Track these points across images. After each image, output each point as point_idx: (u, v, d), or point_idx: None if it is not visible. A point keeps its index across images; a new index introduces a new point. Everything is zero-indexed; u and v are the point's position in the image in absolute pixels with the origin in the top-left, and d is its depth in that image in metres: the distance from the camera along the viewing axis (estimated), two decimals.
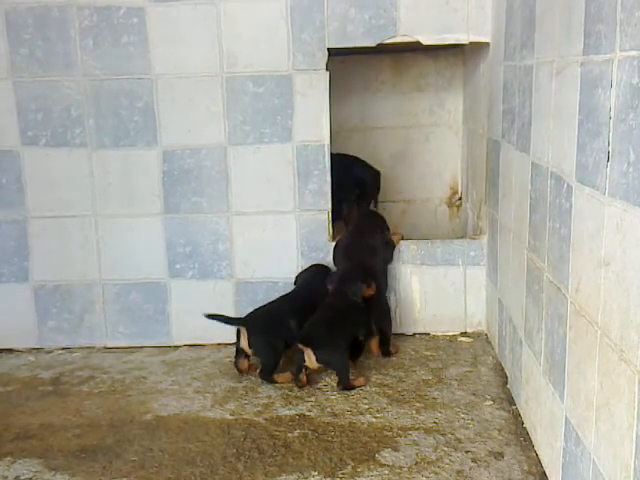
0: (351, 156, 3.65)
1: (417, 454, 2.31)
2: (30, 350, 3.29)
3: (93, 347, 3.30)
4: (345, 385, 2.77)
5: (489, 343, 3.17)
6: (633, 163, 1.42)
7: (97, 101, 3.11)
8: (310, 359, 2.75)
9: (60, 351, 3.27)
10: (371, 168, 3.61)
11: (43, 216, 3.20)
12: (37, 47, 3.07)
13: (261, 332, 2.88)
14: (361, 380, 2.82)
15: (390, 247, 3.21)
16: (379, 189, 3.61)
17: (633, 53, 1.42)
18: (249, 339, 2.87)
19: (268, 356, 2.88)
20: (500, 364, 2.92)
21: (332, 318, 2.86)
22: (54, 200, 3.19)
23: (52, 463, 2.35)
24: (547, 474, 2.14)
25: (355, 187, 3.47)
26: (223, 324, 2.94)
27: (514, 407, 2.58)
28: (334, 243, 3.21)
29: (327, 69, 3.09)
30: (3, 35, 3.06)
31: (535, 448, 2.29)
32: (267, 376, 2.86)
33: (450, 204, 4.03)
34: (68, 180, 3.17)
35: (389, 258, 3.21)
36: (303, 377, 2.80)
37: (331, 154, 3.21)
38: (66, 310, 3.28)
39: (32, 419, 2.66)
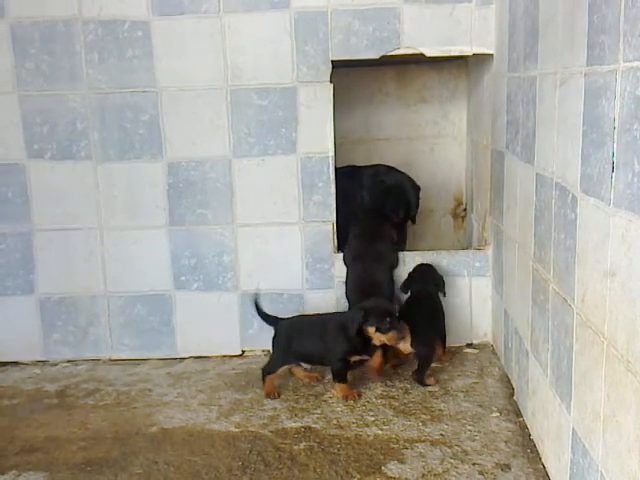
0: (394, 169, 3.57)
1: (424, 466, 2.30)
2: (35, 363, 3.29)
3: (98, 360, 3.30)
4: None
5: (495, 354, 3.15)
6: (638, 173, 1.42)
7: (102, 114, 3.12)
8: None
9: (65, 364, 3.27)
10: (414, 184, 3.54)
11: (48, 229, 3.21)
12: (42, 61, 3.08)
13: (278, 338, 2.93)
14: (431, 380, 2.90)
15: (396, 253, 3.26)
16: (418, 207, 3.56)
17: (637, 64, 1.42)
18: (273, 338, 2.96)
19: (272, 359, 2.92)
20: (506, 375, 2.90)
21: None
22: (59, 213, 3.20)
23: (57, 476, 2.35)
24: None
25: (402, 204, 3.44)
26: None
27: (521, 419, 2.57)
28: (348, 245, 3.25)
29: (331, 81, 3.10)
30: (9, 49, 3.08)
31: (542, 460, 2.28)
32: (267, 372, 2.88)
33: (455, 215, 4.03)
34: (73, 193, 3.18)
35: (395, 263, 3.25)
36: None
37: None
38: (71, 323, 3.28)
39: (37, 432, 2.65)
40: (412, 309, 3.00)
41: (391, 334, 2.74)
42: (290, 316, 3.06)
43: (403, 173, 3.52)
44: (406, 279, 3.15)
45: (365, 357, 2.85)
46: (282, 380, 2.94)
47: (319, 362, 2.92)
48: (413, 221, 3.49)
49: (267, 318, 3.02)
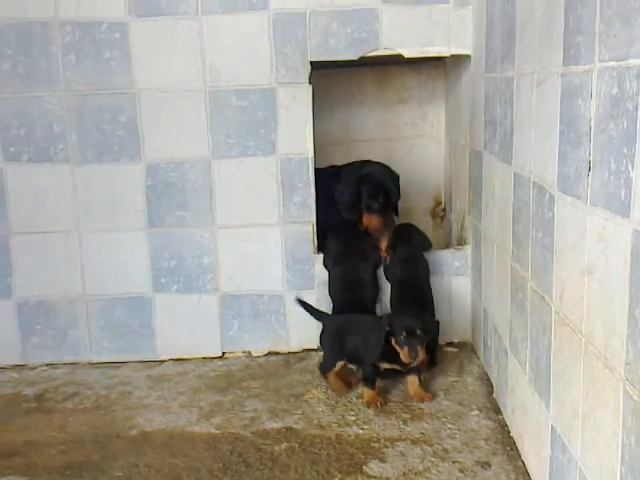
0: (370, 161, 3.53)
1: (404, 465, 2.31)
2: (13, 367, 3.26)
3: (77, 363, 3.27)
4: None
5: (474, 353, 3.17)
6: (614, 172, 1.43)
7: (80, 116, 3.10)
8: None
9: (44, 367, 3.25)
10: (392, 172, 3.48)
11: (26, 232, 3.18)
12: (19, 63, 3.06)
13: (327, 334, 2.95)
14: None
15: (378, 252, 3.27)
16: (400, 194, 3.49)
17: (612, 64, 1.44)
18: (320, 334, 2.98)
19: (326, 356, 2.92)
20: (486, 373, 2.92)
21: None
22: (37, 216, 3.17)
23: None
24: None
25: (380, 194, 3.40)
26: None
27: (500, 416, 2.58)
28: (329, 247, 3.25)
29: (310, 82, 3.10)
30: None
31: (522, 457, 2.30)
32: (323, 371, 2.88)
33: (434, 215, 4.05)
34: (51, 196, 3.16)
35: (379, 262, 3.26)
36: None
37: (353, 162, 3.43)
38: (50, 326, 3.26)
39: (16, 436, 2.63)
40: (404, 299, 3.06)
41: (404, 350, 2.64)
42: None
43: (379, 163, 3.50)
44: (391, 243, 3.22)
45: (396, 367, 2.73)
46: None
47: (361, 359, 2.84)
48: (396, 211, 3.47)
49: (315, 313, 3.05)
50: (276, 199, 3.18)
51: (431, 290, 3.12)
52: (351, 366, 2.88)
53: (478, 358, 3.10)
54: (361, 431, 2.54)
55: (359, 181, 3.35)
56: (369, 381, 2.75)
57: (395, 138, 4.01)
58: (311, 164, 3.16)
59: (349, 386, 2.86)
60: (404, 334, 2.64)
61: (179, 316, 3.25)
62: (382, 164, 3.47)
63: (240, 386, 2.95)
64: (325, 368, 2.89)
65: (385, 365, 2.72)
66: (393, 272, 3.16)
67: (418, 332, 2.65)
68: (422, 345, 2.65)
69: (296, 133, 3.13)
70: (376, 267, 3.22)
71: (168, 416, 2.73)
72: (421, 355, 2.66)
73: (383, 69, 3.90)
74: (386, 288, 3.21)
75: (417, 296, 3.04)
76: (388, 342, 2.69)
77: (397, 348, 2.66)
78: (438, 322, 2.92)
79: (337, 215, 3.37)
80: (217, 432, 2.59)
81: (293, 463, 2.35)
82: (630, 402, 1.38)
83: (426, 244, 3.23)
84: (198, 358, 3.26)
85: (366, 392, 2.75)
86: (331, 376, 2.86)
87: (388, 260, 3.20)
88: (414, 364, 2.70)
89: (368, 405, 2.71)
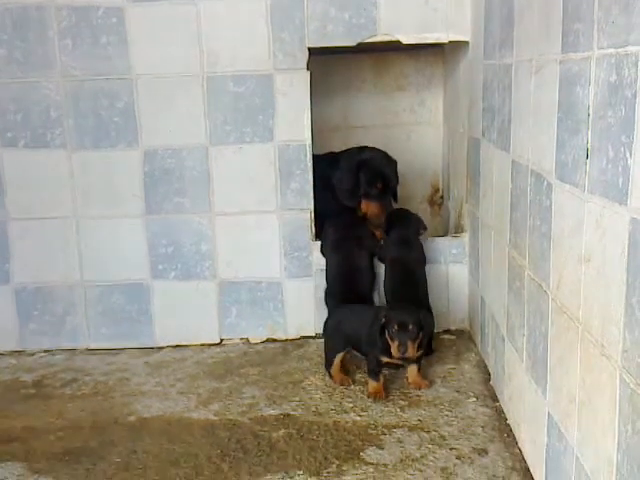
0: (368, 148, 3.51)
1: (401, 452, 2.32)
2: (11, 353, 3.26)
3: (75, 349, 3.27)
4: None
5: (472, 340, 3.18)
6: (612, 160, 1.43)
7: (77, 102, 3.09)
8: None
9: (42, 353, 3.25)
10: (389, 158, 3.46)
11: (23, 218, 3.18)
12: (15, 48, 3.04)
13: (331, 325, 2.92)
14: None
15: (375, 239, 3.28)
16: (398, 181, 3.47)
17: (610, 51, 1.43)
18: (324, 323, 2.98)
19: (326, 350, 2.90)
20: (483, 361, 2.93)
21: None
22: (34, 202, 3.17)
23: (35, 466, 2.33)
24: (531, 470, 2.16)
25: (377, 180, 3.38)
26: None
27: (497, 404, 2.59)
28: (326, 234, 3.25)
29: (308, 68, 3.09)
30: None
31: (519, 444, 2.31)
32: (327, 368, 2.86)
33: (432, 202, 4.04)
34: (48, 181, 3.15)
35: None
36: None
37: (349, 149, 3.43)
38: (48, 312, 3.26)
39: (14, 422, 2.64)
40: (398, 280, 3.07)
41: (395, 343, 2.59)
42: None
43: (377, 149, 3.48)
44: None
45: (396, 361, 2.67)
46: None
47: (363, 350, 2.80)
48: (395, 197, 3.46)
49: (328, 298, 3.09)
50: (274, 186, 3.17)
51: (425, 273, 3.12)
52: (356, 353, 2.85)
53: (475, 346, 3.10)
54: (359, 418, 2.55)
55: (357, 167, 3.34)
56: (373, 373, 2.72)
57: (393, 125, 4.00)
58: (309, 151, 3.15)
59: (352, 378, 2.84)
60: (396, 327, 2.60)
61: (177, 303, 3.25)
62: (380, 150, 3.46)
63: (238, 373, 2.95)
64: (328, 365, 2.86)
65: (386, 359, 2.67)
66: (387, 254, 3.17)
67: (410, 327, 2.59)
68: (413, 341, 2.60)
69: (294, 120, 3.12)
70: (373, 254, 3.22)
71: (166, 402, 2.74)
72: (410, 351, 2.59)
73: (381, 55, 3.88)
74: (382, 275, 3.20)
75: (410, 279, 3.04)
76: (383, 334, 2.65)
77: (389, 341, 2.62)
78: (433, 321, 2.87)
79: (335, 202, 3.37)
80: (215, 418, 2.60)
81: (291, 450, 2.36)
82: (627, 390, 1.38)
83: (420, 226, 3.21)
84: (196, 345, 3.26)
85: (369, 383, 2.73)
86: (334, 372, 2.82)
87: (382, 241, 3.22)
88: (414, 356, 2.67)
89: (370, 396, 2.69)
